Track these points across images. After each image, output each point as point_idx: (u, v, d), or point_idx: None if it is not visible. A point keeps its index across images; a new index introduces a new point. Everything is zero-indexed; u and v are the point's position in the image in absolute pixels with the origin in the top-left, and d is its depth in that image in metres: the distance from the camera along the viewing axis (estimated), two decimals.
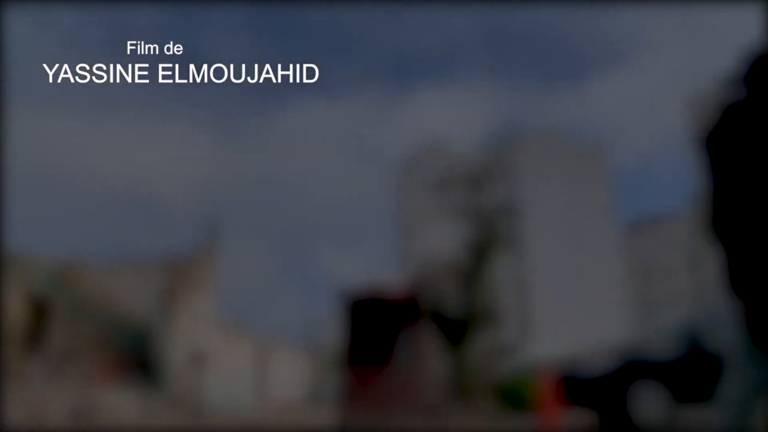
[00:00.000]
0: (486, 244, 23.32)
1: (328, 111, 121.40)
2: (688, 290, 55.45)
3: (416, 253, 44.44)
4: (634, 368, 7.17)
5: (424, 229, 48.63)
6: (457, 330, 21.53)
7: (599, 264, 45.29)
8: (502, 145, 48.89)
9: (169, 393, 21.41)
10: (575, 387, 7.50)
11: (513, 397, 15.21)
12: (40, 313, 18.35)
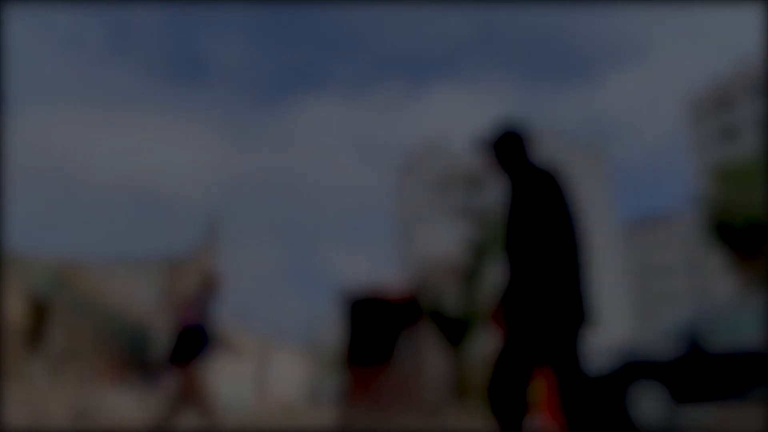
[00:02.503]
0: (486, 244, 23.31)
1: (334, 111, 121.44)
2: (688, 290, 55.44)
3: (416, 253, 44.43)
4: (634, 368, 7.17)
5: (424, 229, 48.63)
6: (457, 330, 21.54)
7: (599, 264, 45.29)
8: None
9: (169, 393, 21.40)
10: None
11: None
12: (40, 313, 18.35)
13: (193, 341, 5.52)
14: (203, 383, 5.53)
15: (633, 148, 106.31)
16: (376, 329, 12.15)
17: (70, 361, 18.83)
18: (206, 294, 5.65)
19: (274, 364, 40.60)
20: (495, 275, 24.79)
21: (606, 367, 7.28)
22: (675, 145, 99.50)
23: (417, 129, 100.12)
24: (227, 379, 27.87)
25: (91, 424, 13.01)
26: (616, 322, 43.69)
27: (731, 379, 7.21)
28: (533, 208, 2.42)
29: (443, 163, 51.89)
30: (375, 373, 11.70)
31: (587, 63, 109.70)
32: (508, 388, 2.40)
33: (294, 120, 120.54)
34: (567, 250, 2.46)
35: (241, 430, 10.37)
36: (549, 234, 2.40)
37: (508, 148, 2.68)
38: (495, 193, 48.51)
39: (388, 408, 11.41)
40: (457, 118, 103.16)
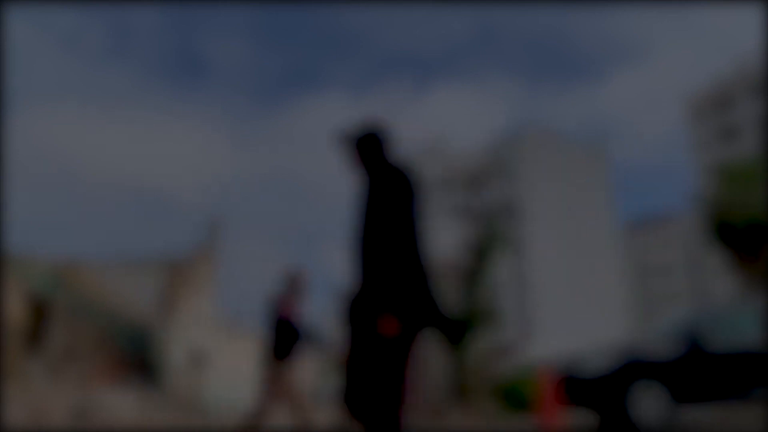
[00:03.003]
0: (486, 244, 23.31)
1: (336, 111, 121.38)
2: (688, 290, 55.44)
3: None
4: (634, 368, 7.17)
5: (424, 228, 48.55)
6: (457, 330, 21.52)
7: (599, 264, 45.28)
8: (502, 144, 48.88)
9: (169, 393, 21.41)
10: (575, 387, 7.50)
11: (513, 397, 15.21)
12: (40, 313, 18.34)
13: (288, 337, 5.64)
14: (294, 380, 5.63)
15: (633, 148, 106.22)
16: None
17: (70, 361, 18.82)
18: (294, 291, 5.79)
19: None
20: (495, 275, 24.78)
21: (606, 367, 7.27)
22: (675, 145, 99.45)
23: (420, 129, 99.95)
24: (226, 379, 27.86)
25: (91, 424, 13.00)
26: (616, 322, 43.68)
27: (731, 379, 7.21)
28: (385, 206, 2.52)
29: (443, 163, 51.87)
30: None
31: (587, 63, 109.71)
32: (367, 393, 2.38)
33: (295, 120, 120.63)
34: (414, 249, 2.54)
35: (242, 430, 10.34)
36: (398, 233, 2.49)
37: (369, 146, 2.82)
38: (495, 193, 48.52)
39: None
40: (460, 117, 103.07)
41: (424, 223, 2.68)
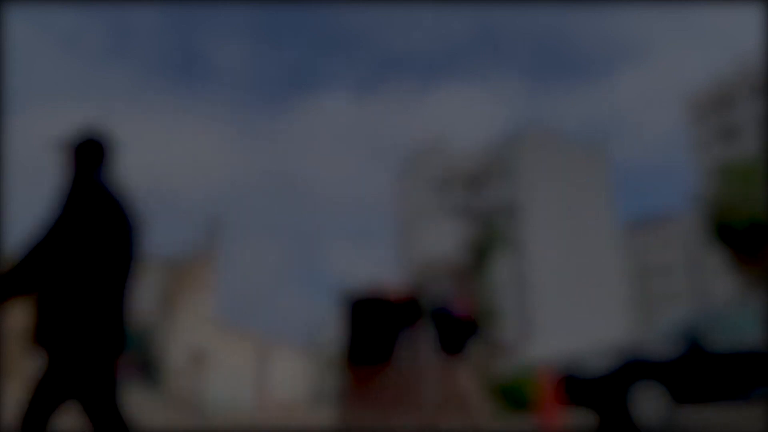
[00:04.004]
0: (486, 244, 23.31)
1: (337, 111, 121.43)
2: (688, 290, 55.42)
3: (416, 253, 44.43)
4: (634, 368, 7.17)
5: (424, 229, 48.63)
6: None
7: (599, 264, 45.25)
8: (503, 144, 48.88)
9: (169, 393, 21.41)
10: (575, 387, 7.50)
11: (513, 397, 15.19)
12: None
13: (459, 334, 5.52)
14: (465, 380, 5.51)
15: (633, 148, 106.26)
16: (376, 329, 12.12)
17: None
18: (455, 288, 5.68)
19: (274, 364, 40.59)
20: (495, 275, 24.78)
21: (606, 367, 7.27)
22: (675, 145, 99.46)
23: (422, 129, 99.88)
24: (226, 379, 27.86)
25: None
26: (616, 322, 43.67)
27: (731, 379, 7.21)
28: (77, 227, 2.31)
29: (443, 163, 51.88)
30: (375, 373, 11.66)
31: (588, 63, 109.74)
32: (33, 423, 2.27)
33: (297, 120, 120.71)
34: (105, 278, 2.38)
35: (241, 430, 10.37)
36: (83, 258, 2.30)
37: (84, 155, 2.58)
38: (495, 193, 48.53)
39: (388, 408, 11.38)
40: (461, 117, 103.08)
41: (129, 257, 2.45)
